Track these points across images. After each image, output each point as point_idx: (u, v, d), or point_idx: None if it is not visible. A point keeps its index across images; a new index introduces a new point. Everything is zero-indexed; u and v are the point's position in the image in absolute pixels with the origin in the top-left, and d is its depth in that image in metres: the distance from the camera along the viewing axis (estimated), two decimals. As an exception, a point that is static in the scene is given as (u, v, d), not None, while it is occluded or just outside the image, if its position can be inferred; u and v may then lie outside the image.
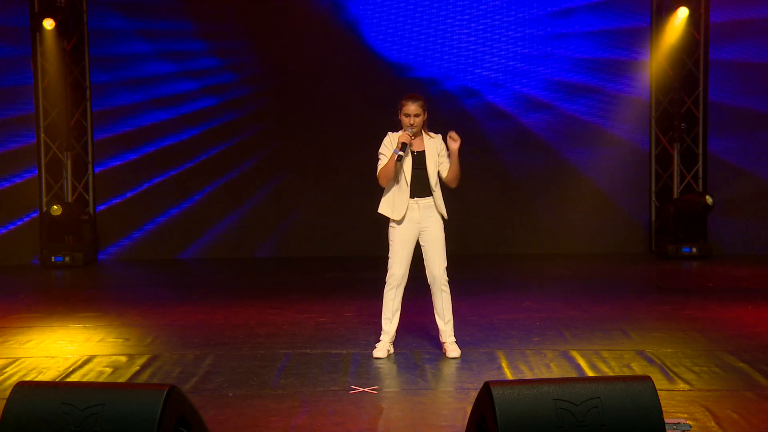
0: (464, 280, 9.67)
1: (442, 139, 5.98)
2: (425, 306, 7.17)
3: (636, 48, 11.35)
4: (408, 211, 5.87)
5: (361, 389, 5.25)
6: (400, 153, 5.76)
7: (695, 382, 5.31)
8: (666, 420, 3.49)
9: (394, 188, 5.91)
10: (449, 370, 5.72)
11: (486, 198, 11.43)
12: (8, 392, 3.40)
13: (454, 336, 6.05)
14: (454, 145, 5.86)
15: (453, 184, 6.03)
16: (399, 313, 6.00)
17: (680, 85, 11.13)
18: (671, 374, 5.47)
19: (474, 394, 3.67)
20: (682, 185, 11.32)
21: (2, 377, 5.67)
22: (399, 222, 5.89)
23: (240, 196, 11.61)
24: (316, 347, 6.36)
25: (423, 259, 6.00)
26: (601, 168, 11.44)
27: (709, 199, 10.79)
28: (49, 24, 10.80)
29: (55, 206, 10.87)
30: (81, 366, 5.92)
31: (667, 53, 11.15)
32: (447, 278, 5.97)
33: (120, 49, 11.45)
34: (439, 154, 5.96)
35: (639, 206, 11.54)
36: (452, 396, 5.21)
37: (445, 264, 5.96)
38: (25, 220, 11.43)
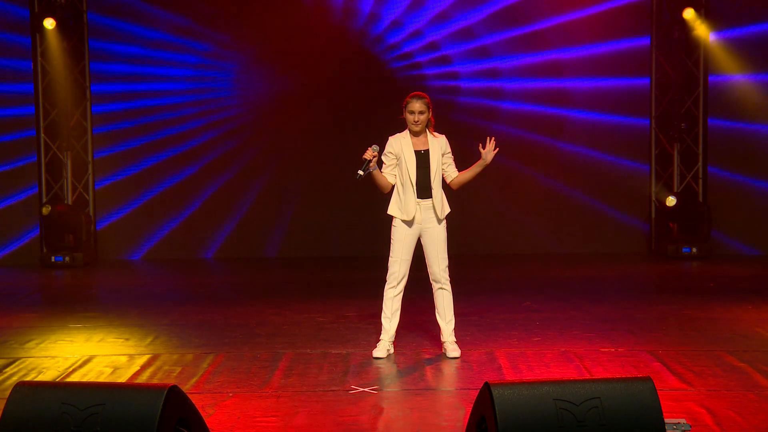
0: (464, 281, 9.66)
1: (484, 146, 5.95)
2: (425, 306, 7.18)
3: (636, 48, 11.34)
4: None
5: (361, 389, 5.25)
6: (360, 173, 5.76)
7: (695, 382, 5.30)
8: (666, 420, 3.49)
9: (401, 189, 5.92)
10: (449, 370, 5.72)
11: (485, 198, 11.43)
12: (8, 392, 3.40)
13: (455, 336, 6.05)
14: (491, 156, 5.87)
15: (457, 188, 6.05)
16: (399, 312, 6.00)
17: (680, 86, 11.13)
18: (671, 374, 5.47)
19: (474, 394, 3.67)
20: (682, 185, 11.32)
21: (2, 377, 5.67)
22: (406, 222, 5.91)
23: (240, 197, 11.61)
24: (316, 347, 6.36)
25: (424, 259, 6.00)
26: (602, 168, 11.44)
27: (668, 201, 10.82)
28: (49, 24, 10.81)
29: (45, 207, 10.88)
30: (81, 366, 5.91)
31: (668, 54, 11.15)
32: (448, 277, 5.97)
33: (120, 49, 11.45)
34: (443, 155, 5.96)
35: (639, 206, 11.54)
36: (452, 396, 5.21)
37: (446, 263, 5.96)
38: (25, 219, 11.42)
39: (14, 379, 5.57)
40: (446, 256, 5.96)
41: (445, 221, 5.98)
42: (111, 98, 11.53)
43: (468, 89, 11.46)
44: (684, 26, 10.91)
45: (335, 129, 11.48)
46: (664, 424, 3.35)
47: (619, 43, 11.34)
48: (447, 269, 5.96)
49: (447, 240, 5.97)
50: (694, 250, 10.85)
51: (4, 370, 5.83)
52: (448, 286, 5.97)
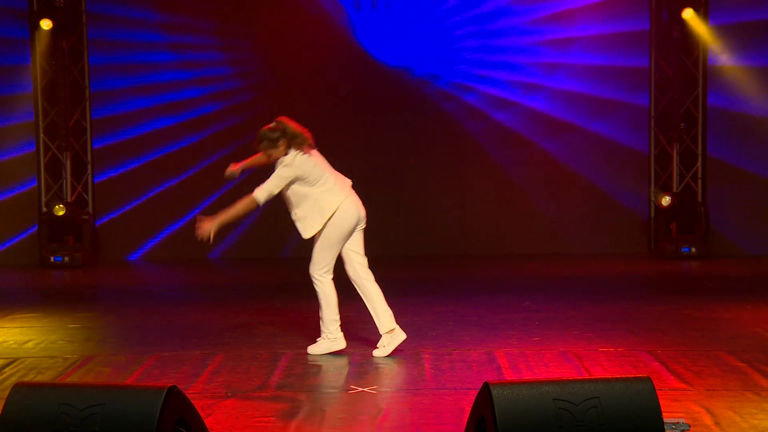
0: (463, 280, 9.67)
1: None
2: (425, 307, 7.22)
3: (635, 48, 11.34)
4: None
5: (360, 389, 5.26)
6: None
7: (694, 381, 5.31)
8: (665, 419, 3.49)
9: None
10: (448, 370, 5.72)
11: (484, 198, 11.43)
12: (7, 392, 3.40)
13: (326, 331, 6.04)
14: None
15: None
16: (371, 303, 6.03)
17: (679, 86, 11.13)
18: (670, 374, 5.47)
19: (473, 394, 3.67)
20: (682, 185, 11.33)
21: (1, 377, 5.67)
22: None
23: (239, 198, 11.59)
24: (316, 347, 6.35)
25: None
26: (601, 167, 11.45)
27: (662, 201, 10.83)
28: (46, 24, 10.80)
29: (58, 206, 10.89)
30: (80, 366, 5.92)
31: (667, 54, 11.16)
32: (316, 276, 5.97)
33: (119, 49, 11.45)
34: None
35: (638, 206, 11.54)
36: (451, 396, 5.20)
37: (317, 263, 5.97)
38: (24, 220, 11.42)
39: (13, 379, 5.57)
40: (316, 257, 5.99)
41: (318, 234, 5.97)
42: (110, 97, 11.53)
43: (465, 85, 11.45)
44: (683, 26, 10.91)
45: (333, 130, 11.48)
46: (663, 423, 3.35)
47: (618, 42, 11.34)
48: (315, 267, 5.96)
49: (322, 244, 5.96)
50: (694, 249, 10.85)
51: (3, 370, 5.83)
52: (316, 284, 5.98)
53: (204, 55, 11.54)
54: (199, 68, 11.56)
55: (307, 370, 5.70)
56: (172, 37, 11.47)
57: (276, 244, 11.64)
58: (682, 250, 10.86)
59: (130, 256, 11.53)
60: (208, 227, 5.77)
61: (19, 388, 3.39)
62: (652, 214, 11.42)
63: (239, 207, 5.91)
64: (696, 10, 10.85)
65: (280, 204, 12.27)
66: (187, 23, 11.48)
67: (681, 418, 4.15)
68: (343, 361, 5.93)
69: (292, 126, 5.99)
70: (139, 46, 11.46)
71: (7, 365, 5.97)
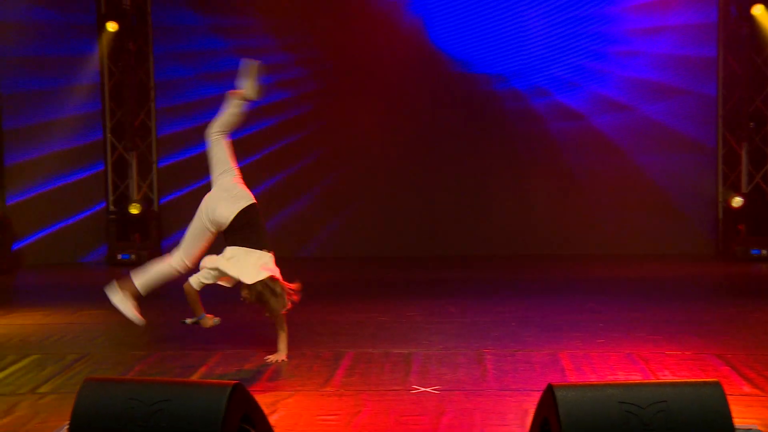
0: (526, 281, 9.58)
1: None
2: (486, 307, 7.15)
3: (703, 45, 11.11)
4: None
5: (423, 389, 5.24)
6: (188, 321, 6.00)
7: (767, 387, 5.17)
8: (736, 426, 3.40)
9: None
10: (511, 370, 5.67)
11: (549, 198, 11.31)
12: (78, 387, 3.48)
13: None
14: None
15: None
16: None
17: (749, 83, 10.87)
18: (741, 378, 5.33)
19: (537, 396, 3.63)
20: (751, 186, 11.05)
21: (72, 372, 5.81)
22: None
23: (293, 194, 11.68)
24: (378, 346, 6.37)
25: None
26: (668, 168, 11.24)
27: (733, 202, 10.57)
28: (112, 27, 11.03)
29: (134, 205, 11.14)
30: (147, 362, 6.02)
31: (736, 51, 10.90)
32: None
33: (184, 49, 11.63)
34: None
35: (706, 207, 11.30)
36: (514, 397, 5.15)
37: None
38: (92, 217, 11.67)
39: (83, 374, 5.69)
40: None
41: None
42: (174, 97, 11.71)
43: (536, 87, 11.35)
44: (752, 23, 10.65)
45: (396, 128, 11.48)
46: (734, 429, 3.27)
47: (686, 40, 11.12)
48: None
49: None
50: (764, 252, 10.59)
51: (74, 365, 5.96)
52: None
53: (268, 50, 11.63)
54: (263, 63, 11.65)
55: (369, 369, 5.70)
56: (236, 32, 11.60)
57: (326, 243, 11.69)
58: (752, 252, 10.61)
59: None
60: (286, 352, 6.03)
61: (89, 383, 3.46)
62: (720, 215, 11.17)
63: (282, 321, 6.06)
64: (767, 6, 10.58)
65: (331, 203, 12.34)
66: (251, 18, 11.59)
67: (754, 424, 4.04)
68: (405, 361, 5.93)
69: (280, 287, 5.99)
70: (203, 45, 11.62)
71: (78, 360, 6.11)
